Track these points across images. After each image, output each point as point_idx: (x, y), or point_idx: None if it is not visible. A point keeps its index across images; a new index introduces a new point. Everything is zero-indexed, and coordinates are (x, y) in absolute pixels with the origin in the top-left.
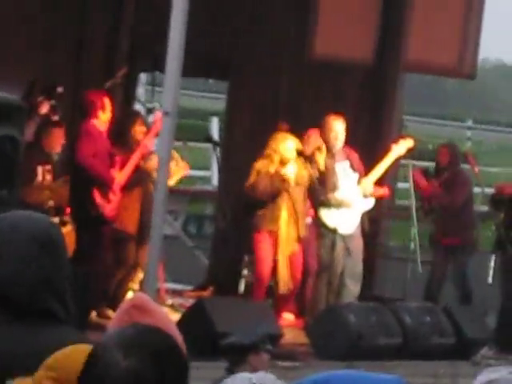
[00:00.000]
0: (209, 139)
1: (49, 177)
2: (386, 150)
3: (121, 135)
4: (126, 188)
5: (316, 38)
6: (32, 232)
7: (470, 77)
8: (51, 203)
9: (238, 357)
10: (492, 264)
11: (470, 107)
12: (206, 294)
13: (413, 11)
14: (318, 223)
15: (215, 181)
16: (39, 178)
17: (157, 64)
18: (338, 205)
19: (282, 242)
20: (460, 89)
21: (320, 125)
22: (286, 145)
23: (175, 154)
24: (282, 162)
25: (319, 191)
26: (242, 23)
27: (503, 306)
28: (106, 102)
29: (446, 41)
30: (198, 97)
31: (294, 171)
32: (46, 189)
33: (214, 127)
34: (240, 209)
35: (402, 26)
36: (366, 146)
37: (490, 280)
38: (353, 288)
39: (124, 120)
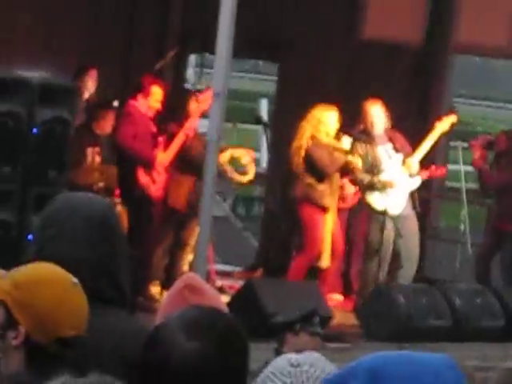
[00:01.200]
0: (258, 121)
1: (98, 158)
2: (430, 129)
3: (176, 111)
4: (178, 167)
5: (366, 19)
6: (89, 214)
7: None
8: (101, 185)
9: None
10: None
11: None
12: (256, 275)
13: None
14: (366, 207)
15: (264, 162)
16: (89, 159)
17: (206, 46)
18: (383, 186)
19: (328, 217)
20: (510, 70)
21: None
22: (329, 116)
23: (243, 153)
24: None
25: (362, 176)
26: (292, 5)
27: None
28: (155, 89)
29: (496, 22)
30: (247, 78)
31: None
32: (95, 170)
33: (264, 109)
34: (290, 189)
35: (451, 7)
36: (416, 129)
37: None
38: (409, 270)
39: (179, 97)
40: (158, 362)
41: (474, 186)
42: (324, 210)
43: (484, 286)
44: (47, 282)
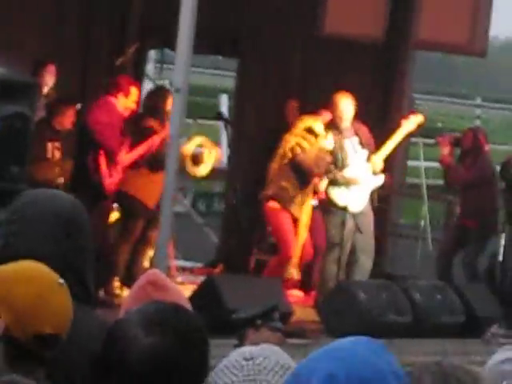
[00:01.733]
0: (219, 116)
1: (58, 154)
2: (396, 126)
3: (155, 110)
4: (155, 167)
5: (326, 14)
6: (55, 210)
7: (480, 54)
8: (61, 180)
9: (239, 333)
10: (502, 242)
11: (480, 85)
12: (216, 271)
13: None
14: (326, 201)
15: (225, 158)
16: (49, 154)
17: (166, 41)
18: (347, 183)
19: (301, 226)
20: (470, 67)
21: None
22: (316, 124)
23: (208, 143)
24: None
25: (329, 169)
26: (252, 0)
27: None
28: (133, 90)
29: (457, 18)
30: (207, 74)
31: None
32: (55, 165)
33: (224, 104)
34: (251, 185)
35: (412, 3)
36: (377, 124)
37: (500, 258)
38: (365, 263)
39: (156, 95)
40: (116, 356)
41: (433, 182)
42: (292, 215)
43: (445, 283)
44: (29, 278)
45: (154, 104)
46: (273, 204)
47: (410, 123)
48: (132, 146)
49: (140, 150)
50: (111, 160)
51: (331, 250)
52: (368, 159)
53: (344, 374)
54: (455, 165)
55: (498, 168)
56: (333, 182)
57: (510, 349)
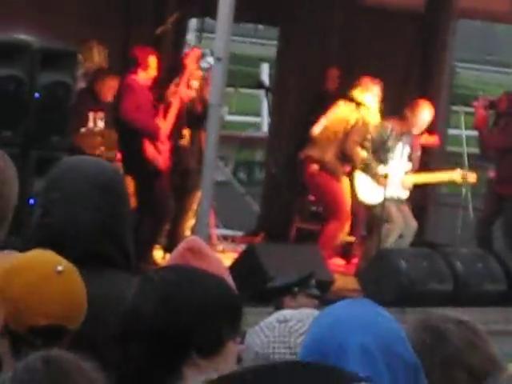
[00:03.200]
0: (260, 85)
1: (101, 123)
2: (440, 168)
3: (174, 73)
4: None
5: None
6: (95, 177)
7: None
8: (102, 149)
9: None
10: None
11: None
12: (257, 240)
13: None
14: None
15: (265, 127)
16: (91, 123)
17: (206, 10)
18: (375, 177)
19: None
20: (511, 35)
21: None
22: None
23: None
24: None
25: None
26: None
27: None
28: (151, 60)
29: None
30: (248, 43)
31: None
32: (97, 135)
33: (265, 73)
34: (291, 154)
35: None
36: (419, 92)
37: None
38: (407, 239)
39: (176, 59)
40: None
41: (475, 150)
42: (339, 178)
43: (486, 251)
44: (23, 268)
45: (172, 68)
46: (316, 167)
47: (452, 175)
48: (165, 112)
49: (172, 113)
50: (155, 138)
51: (378, 223)
52: (406, 173)
53: (373, 343)
54: (489, 129)
55: None
56: (364, 169)
57: None
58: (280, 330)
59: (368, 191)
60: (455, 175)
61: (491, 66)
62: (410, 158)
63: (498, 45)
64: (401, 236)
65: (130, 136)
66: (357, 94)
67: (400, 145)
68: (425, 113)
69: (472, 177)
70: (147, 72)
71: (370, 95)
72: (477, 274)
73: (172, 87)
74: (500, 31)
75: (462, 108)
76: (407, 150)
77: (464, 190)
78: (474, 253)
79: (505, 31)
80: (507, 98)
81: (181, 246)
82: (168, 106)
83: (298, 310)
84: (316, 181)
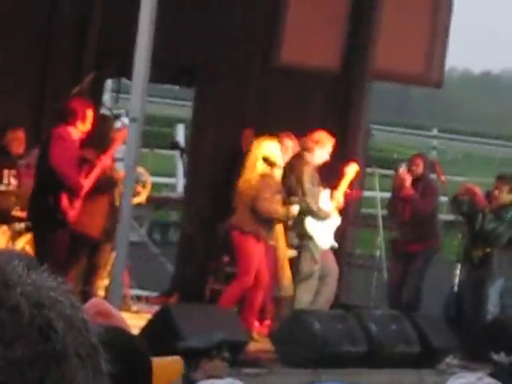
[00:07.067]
0: (175, 146)
1: (14, 181)
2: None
3: (101, 139)
4: (93, 193)
5: (283, 45)
6: None
7: (436, 85)
8: (17, 209)
9: (194, 362)
10: (458, 272)
11: (436, 116)
12: (172, 300)
13: (380, 20)
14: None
15: (180, 188)
16: (5, 181)
17: (123, 70)
18: (324, 216)
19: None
20: (426, 98)
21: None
22: (273, 149)
23: (147, 177)
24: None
25: (302, 200)
26: (209, 31)
27: (470, 315)
28: (88, 113)
29: (413, 49)
30: (163, 104)
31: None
32: (12, 194)
33: (180, 134)
34: (207, 214)
35: (369, 34)
36: (333, 155)
37: (455, 288)
38: (333, 288)
39: (103, 124)
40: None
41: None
42: (259, 239)
43: (400, 312)
44: None
45: (91, 133)
46: (241, 235)
47: (351, 170)
48: (85, 175)
49: (91, 179)
50: (74, 194)
51: (301, 281)
52: (331, 197)
53: None
54: (417, 196)
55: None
56: (308, 213)
57: (461, 376)
58: None
59: (322, 233)
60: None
61: (405, 128)
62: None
63: (414, 107)
64: (325, 284)
65: (49, 184)
66: (265, 149)
67: (316, 176)
68: (329, 143)
69: None
70: (85, 125)
71: (282, 149)
72: (391, 336)
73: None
74: (415, 94)
75: (376, 169)
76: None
77: (378, 252)
78: (388, 314)
79: (420, 94)
80: (422, 161)
81: (89, 310)
82: (91, 168)
83: (225, 380)
84: (235, 242)
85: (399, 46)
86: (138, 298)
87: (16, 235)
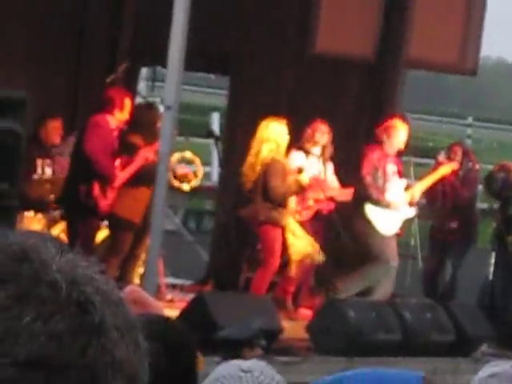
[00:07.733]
0: (210, 134)
1: (48, 170)
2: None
3: (147, 127)
4: (136, 182)
5: (317, 33)
6: None
7: (471, 74)
8: (52, 197)
9: (232, 351)
10: (492, 261)
11: (471, 104)
12: (206, 288)
13: (415, 8)
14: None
15: (215, 176)
16: (39, 171)
17: (157, 58)
18: (387, 206)
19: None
20: (461, 86)
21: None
22: (279, 130)
23: (197, 160)
24: (279, 148)
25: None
26: (244, 19)
27: (503, 303)
28: (127, 102)
29: (448, 38)
30: (198, 92)
31: (307, 176)
32: (46, 183)
33: (215, 122)
34: (241, 203)
35: (403, 22)
36: (368, 141)
37: (490, 277)
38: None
39: (149, 113)
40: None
41: (424, 200)
42: (281, 227)
43: (435, 302)
44: None
45: (139, 120)
46: (262, 225)
47: (447, 168)
48: (123, 164)
49: (132, 168)
50: (107, 183)
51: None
52: (406, 189)
53: None
54: (459, 184)
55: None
56: (372, 202)
57: (495, 364)
58: (247, 379)
59: (384, 221)
60: (449, 167)
61: (439, 117)
62: (399, 176)
63: (448, 95)
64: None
65: (83, 171)
66: (271, 132)
67: (388, 166)
68: (402, 129)
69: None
70: (123, 113)
71: (320, 137)
72: (425, 325)
73: (138, 141)
74: (450, 82)
75: (412, 158)
76: (393, 169)
77: (413, 240)
78: (423, 303)
79: (454, 82)
80: (461, 150)
81: (125, 297)
82: (130, 160)
83: (251, 361)
84: (254, 231)
85: (434, 34)
86: (173, 287)
87: (51, 223)
